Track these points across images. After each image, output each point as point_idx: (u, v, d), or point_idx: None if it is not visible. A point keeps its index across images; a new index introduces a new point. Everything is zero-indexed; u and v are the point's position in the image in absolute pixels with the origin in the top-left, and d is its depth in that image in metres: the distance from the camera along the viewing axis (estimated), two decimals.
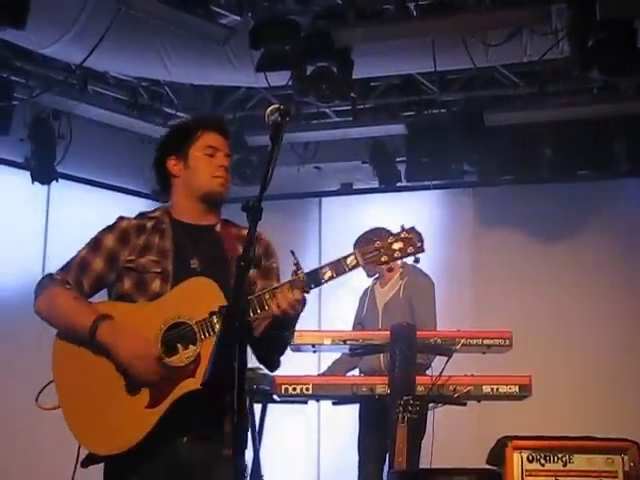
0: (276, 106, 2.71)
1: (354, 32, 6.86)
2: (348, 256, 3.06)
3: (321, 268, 3.06)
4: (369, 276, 6.82)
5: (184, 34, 6.80)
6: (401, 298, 6.54)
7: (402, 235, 3.09)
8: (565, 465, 4.55)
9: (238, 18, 7.00)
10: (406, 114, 8.68)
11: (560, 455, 4.56)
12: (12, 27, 5.93)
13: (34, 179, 8.08)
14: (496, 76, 8.14)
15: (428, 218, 8.96)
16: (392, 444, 5.32)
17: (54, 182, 8.21)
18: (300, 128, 8.58)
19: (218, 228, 3.36)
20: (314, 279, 3.04)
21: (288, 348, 3.36)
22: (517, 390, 5.79)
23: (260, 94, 8.57)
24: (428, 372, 6.08)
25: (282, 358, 3.33)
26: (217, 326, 2.99)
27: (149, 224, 3.34)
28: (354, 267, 3.06)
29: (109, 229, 3.35)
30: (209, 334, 3.02)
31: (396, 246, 3.08)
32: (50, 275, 3.32)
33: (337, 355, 6.67)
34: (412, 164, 8.58)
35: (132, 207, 9.61)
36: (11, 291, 7.89)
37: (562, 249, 8.59)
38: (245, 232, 3.20)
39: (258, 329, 3.16)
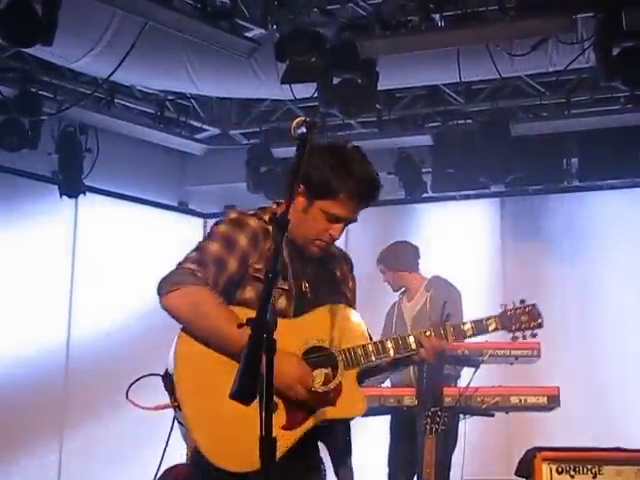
0: (302, 119, 2.70)
1: (379, 43, 6.86)
2: (489, 319, 3.33)
3: (463, 324, 3.31)
4: (395, 290, 6.81)
5: (210, 48, 6.82)
6: (429, 310, 6.52)
7: (527, 309, 3.38)
8: (595, 476, 4.52)
9: (263, 31, 7.02)
10: (432, 125, 8.68)
11: (589, 466, 4.53)
12: (40, 43, 5.99)
13: (62, 193, 8.14)
14: (522, 86, 8.12)
15: (454, 229, 8.94)
16: (420, 456, 5.30)
17: (82, 195, 8.26)
18: (325, 139, 8.58)
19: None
20: (457, 333, 3.28)
21: None
22: (545, 401, 5.77)
23: (286, 106, 8.59)
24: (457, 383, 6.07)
25: None
26: (362, 359, 3.06)
27: (270, 228, 3.05)
28: (493, 330, 3.35)
29: (239, 227, 3.05)
30: (352, 365, 3.03)
31: (524, 318, 3.36)
32: (189, 270, 2.96)
33: None
34: (438, 175, 8.57)
35: (159, 219, 9.76)
36: (39, 302, 7.95)
37: (590, 258, 8.53)
38: (333, 250, 3.26)
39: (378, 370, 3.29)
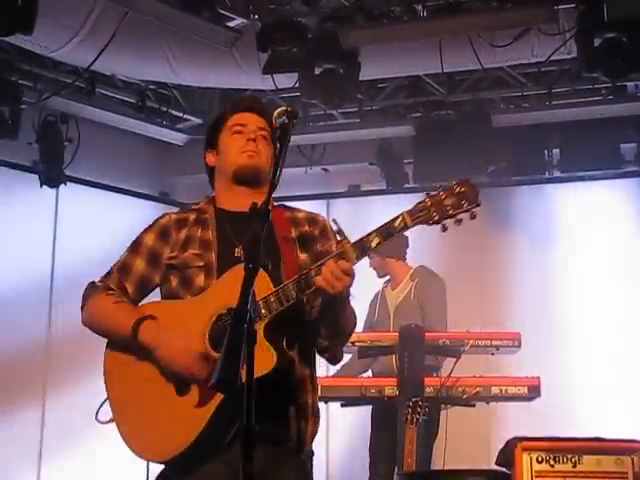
0: (283, 108, 2.70)
1: (361, 33, 6.86)
2: (396, 218, 2.87)
3: (368, 235, 2.85)
4: (380, 276, 6.82)
5: (191, 37, 6.80)
6: (412, 300, 6.54)
7: (454, 189, 2.87)
8: (574, 466, 4.53)
9: (245, 21, 7.00)
10: (413, 115, 8.68)
11: (569, 456, 4.54)
12: (20, 32, 5.95)
13: (42, 182, 8.10)
14: (504, 77, 8.13)
15: None
16: (401, 445, 5.32)
17: (62, 185, 8.22)
18: (307, 130, 8.58)
19: None
20: (361, 247, 2.84)
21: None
22: (526, 391, 5.79)
23: (267, 96, 8.57)
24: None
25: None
26: (263, 311, 2.84)
27: (192, 217, 3.15)
28: (402, 229, 2.87)
29: (149, 227, 3.18)
30: (257, 320, 2.80)
31: (448, 202, 2.86)
32: (92, 283, 3.17)
33: (346, 359, 6.67)
34: (420, 165, 8.57)
35: (140, 210, 9.73)
36: (19, 293, 7.91)
37: (570, 248, 8.56)
38: (299, 214, 3.20)
39: (312, 314, 3.01)
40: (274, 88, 7.52)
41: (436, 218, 2.87)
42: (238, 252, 3.02)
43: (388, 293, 6.74)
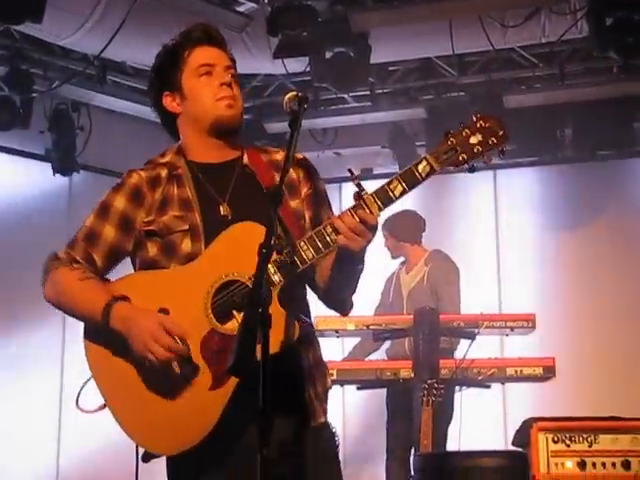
0: (294, 93, 2.67)
1: (371, 16, 6.84)
2: (418, 163, 2.58)
3: (389, 183, 2.58)
4: (393, 258, 6.82)
5: (201, 22, 6.80)
6: (425, 285, 6.53)
7: (478, 125, 2.61)
8: (590, 445, 4.55)
9: (255, 5, 6.99)
10: (425, 98, 8.66)
11: (585, 435, 4.56)
12: (30, 20, 5.96)
13: (55, 171, 8.12)
14: (515, 58, 8.09)
15: (449, 201, 8.95)
16: (417, 428, 5.34)
17: (75, 173, 8.24)
18: (319, 114, 8.57)
19: (245, 160, 2.86)
20: (383, 197, 2.57)
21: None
22: (541, 372, 5.81)
23: (278, 81, 8.56)
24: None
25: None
26: (276, 277, 2.54)
27: (163, 173, 2.87)
28: (429, 174, 2.57)
29: (118, 188, 2.87)
30: (271, 287, 2.53)
31: (474, 140, 2.59)
32: (54, 255, 2.85)
33: (355, 341, 6.69)
34: (432, 148, 8.54)
35: None
36: (33, 279, 7.93)
37: (583, 229, 8.55)
38: (277, 156, 2.90)
39: (323, 272, 2.74)
40: (285, 72, 7.51)
41: (464, 158, 2.60)
42: (224, 210, 2.76)
43: (402, 276, 6.74)
